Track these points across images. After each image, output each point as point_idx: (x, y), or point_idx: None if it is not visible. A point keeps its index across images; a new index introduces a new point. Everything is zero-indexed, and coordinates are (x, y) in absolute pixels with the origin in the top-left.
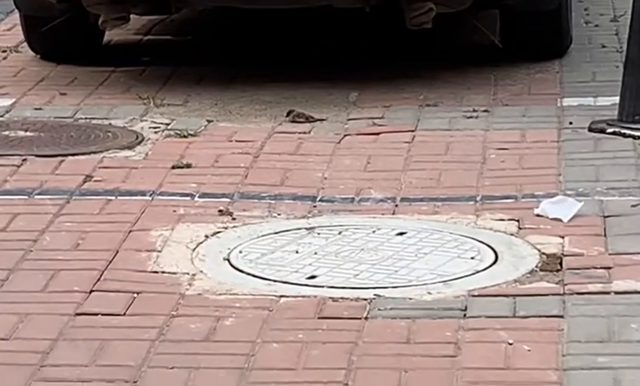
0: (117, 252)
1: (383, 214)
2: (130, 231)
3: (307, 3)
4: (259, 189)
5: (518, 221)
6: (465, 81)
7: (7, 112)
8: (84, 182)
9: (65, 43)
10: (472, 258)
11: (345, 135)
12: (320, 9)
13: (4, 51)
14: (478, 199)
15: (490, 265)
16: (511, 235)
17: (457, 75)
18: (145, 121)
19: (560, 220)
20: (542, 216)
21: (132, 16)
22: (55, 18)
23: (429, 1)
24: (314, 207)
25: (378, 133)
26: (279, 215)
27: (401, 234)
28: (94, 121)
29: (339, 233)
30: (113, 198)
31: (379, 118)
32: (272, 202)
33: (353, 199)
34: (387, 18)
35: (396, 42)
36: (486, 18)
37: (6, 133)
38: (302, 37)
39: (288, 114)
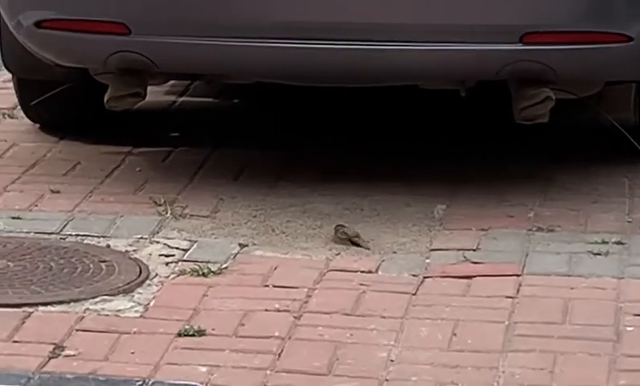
0: None
1: None
2: None
3: (384, 82)
4: (296, 381)
5: None
6: (589, 188)
7: None
8: (50, 357)
9: (71, 111)
10: None
11: (425, 277)
12: (403, 91)
13: None
14: None
15: None
16: None
17: (577, 177)
18: (156, 242)
19: None
20: None
21: None
22: (56, 84)
23: (547, 87)
24: None
25: (470, 277)
26: None
27: None
28: (87, 241)
29: None
30: None
31: (473, 250)
32: None
33: None
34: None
35: (498, 132)
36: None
37: None
38: (379, 126)
39: (336, 230)
